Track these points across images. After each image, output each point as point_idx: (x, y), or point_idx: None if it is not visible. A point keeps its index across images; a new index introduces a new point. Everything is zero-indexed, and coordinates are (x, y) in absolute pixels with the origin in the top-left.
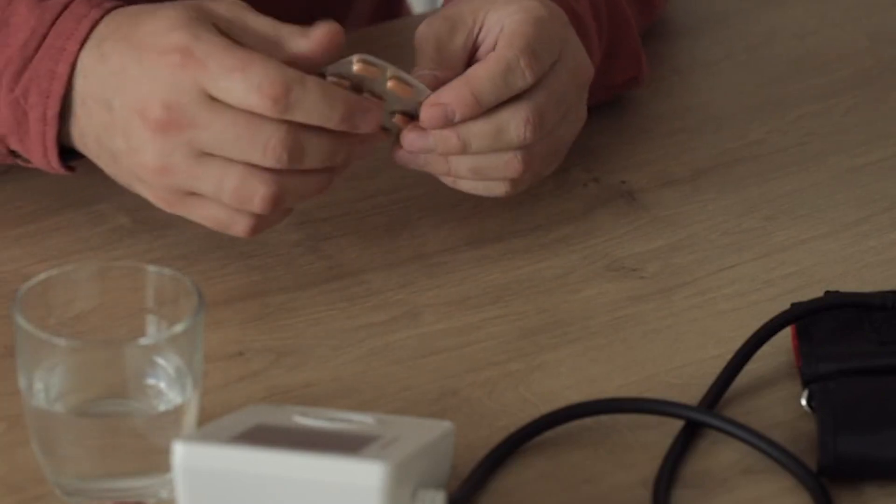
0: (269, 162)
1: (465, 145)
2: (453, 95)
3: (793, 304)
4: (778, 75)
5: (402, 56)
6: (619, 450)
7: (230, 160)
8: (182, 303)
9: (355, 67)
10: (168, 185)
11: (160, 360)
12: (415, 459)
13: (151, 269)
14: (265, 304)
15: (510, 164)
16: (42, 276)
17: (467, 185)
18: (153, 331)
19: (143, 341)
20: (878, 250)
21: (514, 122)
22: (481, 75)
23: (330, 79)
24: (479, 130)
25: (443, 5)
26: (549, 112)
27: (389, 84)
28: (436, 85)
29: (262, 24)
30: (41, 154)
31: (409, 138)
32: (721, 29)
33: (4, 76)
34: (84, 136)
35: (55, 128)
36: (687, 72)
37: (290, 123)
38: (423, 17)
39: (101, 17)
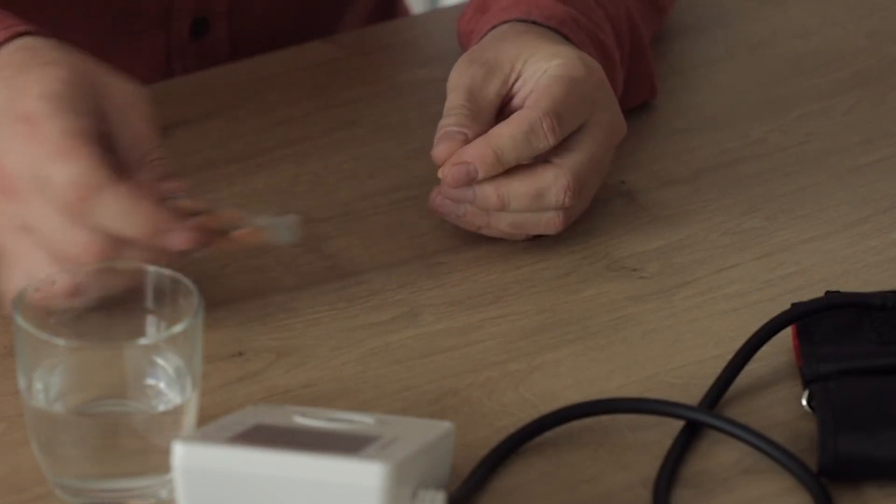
0: (81, 260)
1: (505, 204)
2: (476, 154)
3: (793, 304)
4: (778, 75)
5: (400, 57)
6: (619, 450)
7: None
8: (182, 303)
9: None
10: None
11: (160, 361)
12: (415, 459)
13: (151, 269)
14: (265, 304)
15: (550, 222)
16: (42, 276)
17: (504, 234)
18: (153, 331)
19: (142, 341)
20: (878, 250)
21: (555, 188)
22: (504, 134)
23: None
24: (519, 192)
25: (476, 41)
26: (588, 177)
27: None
28: (465, 141)
29: (142, 130)
30: None
31: (450, 190)
32: (721, 28)
33: None
34: None
35: None
36: (687, 72)
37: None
38: (421, 17)
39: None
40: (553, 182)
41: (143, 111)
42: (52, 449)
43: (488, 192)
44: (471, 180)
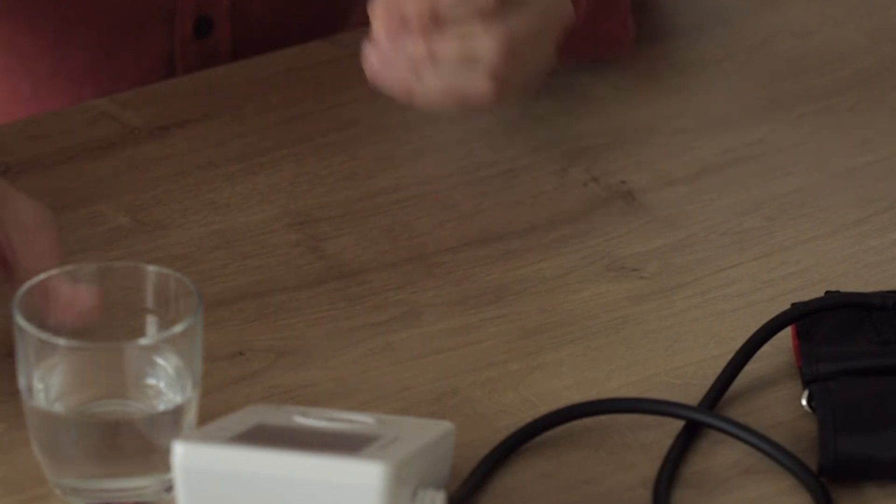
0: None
1: (433, 58)
2: (413, 5)
3: (793, 304)
4: (778, 75)
5: None
6: (619, 450)
7: None
8: (182, 303)
9: None
10: None
11: (160, 360)
12: (415, 459)
13: (151, 269)
14: (265, 304)
15: (482, 89)
16: (42, 276)
17: (437, 102)
18: (153, 331)
19: (142, 341)
20: (878, 250)
21: (486, 48)
22: None
23: None
24: (450, 47)
25: None
26: (523, 48)
27: None
28: None
29: (46, 247)
30: None
31: (382, 43)
32: (721, 29)
33: None
34: None
35: None
36: (687, 72)
37: None
38: None
39: None
40: (485, 43)
41: (45, 234)
42: (53, 449)
43: (418, 44)
44: (404, 27)
